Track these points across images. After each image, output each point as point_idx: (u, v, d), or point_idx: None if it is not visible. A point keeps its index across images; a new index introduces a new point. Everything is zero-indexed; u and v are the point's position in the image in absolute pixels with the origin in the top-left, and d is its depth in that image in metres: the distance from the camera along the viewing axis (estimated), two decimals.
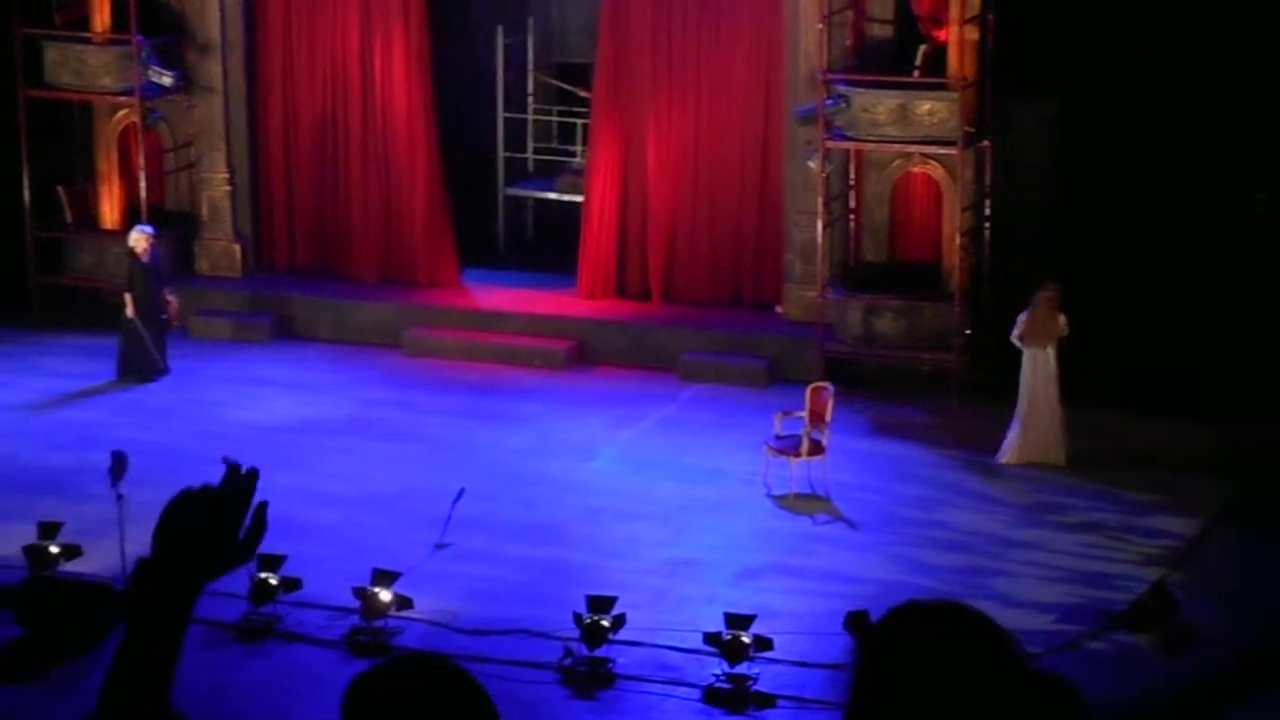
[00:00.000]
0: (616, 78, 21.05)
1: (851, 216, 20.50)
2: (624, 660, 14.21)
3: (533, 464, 17.92)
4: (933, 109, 19.37)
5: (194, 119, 22.09)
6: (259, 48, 22.08)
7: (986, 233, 19.93)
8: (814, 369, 19.46)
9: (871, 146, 19.87)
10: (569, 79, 23.46)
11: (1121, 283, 19.31)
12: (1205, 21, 21.11)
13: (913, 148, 19.76)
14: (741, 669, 13.91)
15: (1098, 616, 14.94)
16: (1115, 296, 19.53)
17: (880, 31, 20.15)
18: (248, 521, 3.93)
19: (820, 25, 19.72)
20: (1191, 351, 19.36)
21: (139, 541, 15.04)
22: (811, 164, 19.89)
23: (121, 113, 22.06)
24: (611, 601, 14.30)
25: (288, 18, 22.00)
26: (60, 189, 22.18)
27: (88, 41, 21.57)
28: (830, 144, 19.74)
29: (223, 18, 21.79)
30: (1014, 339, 17.82)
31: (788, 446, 17.30)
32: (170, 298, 20.13)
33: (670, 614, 14.82)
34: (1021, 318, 17.77)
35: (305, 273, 22.37)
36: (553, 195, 23.15)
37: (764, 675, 13.91)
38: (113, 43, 21.43)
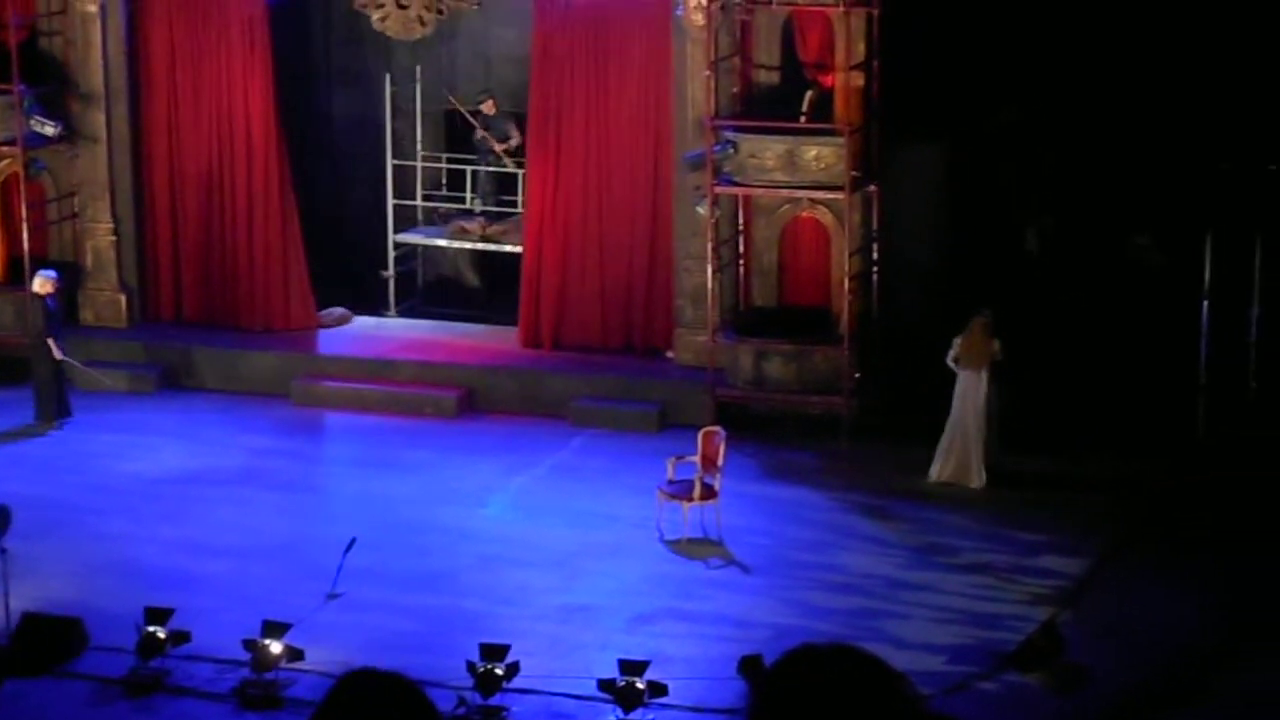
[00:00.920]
0: (544, 125, 21.06)
1: (741, 261, 20.60)
2: (518, 708, 14.14)
3: (424, 512, 17.83)
4: (820, 154, 19.52)
5: (78, 169, 21.88)
6: (143, 97, 21.92)
7: (875, 276, 20.08)
8: (705, 414, 19.51)
9: (760, 191, 20.00)
10: (457, 127, 23.44)
11: (1007, 325, 19.48)
12: (1090, 65, 21.45)
13: (801, 193, 19.91)
14: (636, 715, 13.88)
15: (988, 657, 15.04)
16: (1000, 338, 19.70)
17: (767, 78, 20.30)
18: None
19: (707, 72, 19.84)
20: (1076, 392, 19.60)
21: (23, 596, 14.89)
22: (700, 209, 19.98)
23: (3, 163, 21.83)
24: (505, 649, 14.24)
25: (171, 68, 21.85)
26: None
27: None
28: (719, 189, 19.84)
29: (106, 67, 21.62)
30: (949, 362, 18.35)
31: (680, 491, 17.32)
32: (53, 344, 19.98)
33: (564, 661, 14.77)
34: (956, 341, 18.33)
35: (192, 323, 22.17)
36: (442, 242, 23.11)
37: None
38: None
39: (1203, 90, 21.31)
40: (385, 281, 22.91)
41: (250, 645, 14.53)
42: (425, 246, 23.36)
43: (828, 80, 19.84)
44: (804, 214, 20.30)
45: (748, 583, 16.49)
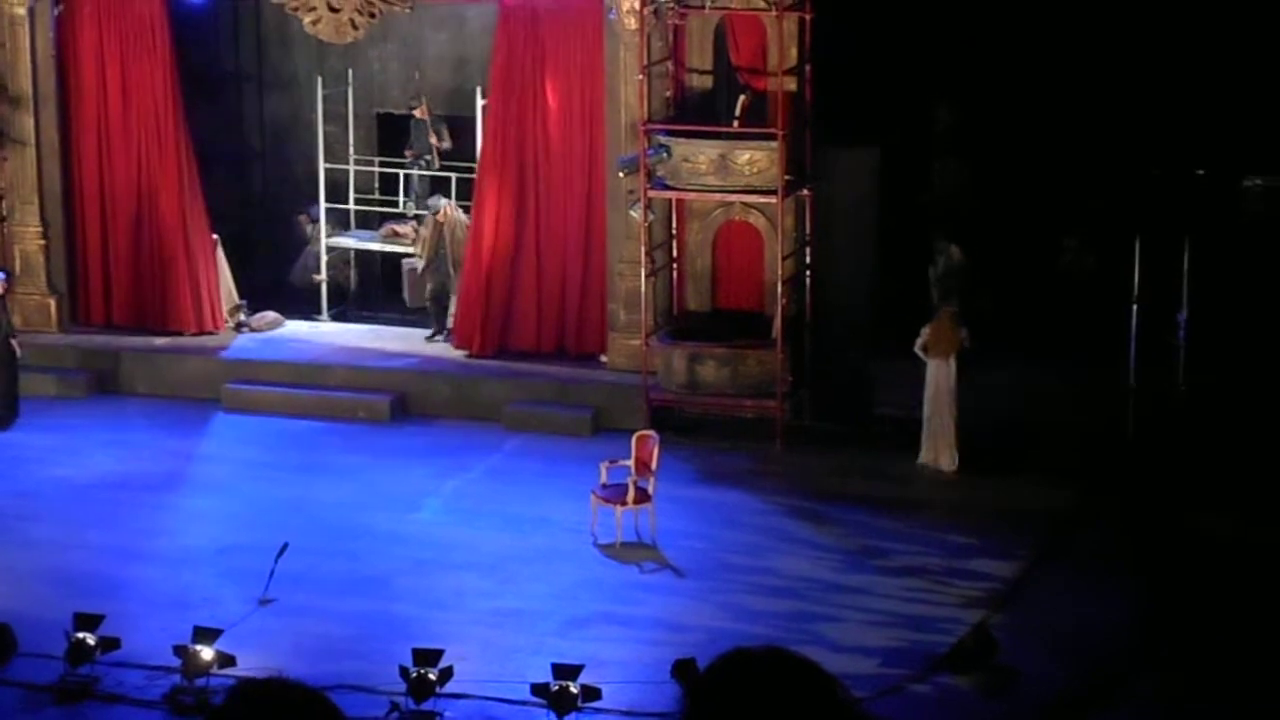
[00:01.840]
0: (500, 131, 20.94)
1: (674, 265, 20.62)
2: (451, 713, 14.11)
3: (357, 516, 17.75)
4: (753, 158, 19.56)
5: (6, 172, 21.70)
6: (71, 101, 21.75)
7: (808, 280, 20.13)
8: (639, 418, 19.51)
9: (693, 196, 20.02)
10: (389, 130, 23.38)
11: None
12: (1023, 69, 21.60)
13: (734, 197, 19.95)
14: None
15: (921, 660, 15.10)
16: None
17: (700, 82, 20.33)
18: None
19: (640, 76, 19.85)
20: (1009, 394, 19.72)
21: None
22: (634, 213, 19.98)
23: None
24: (439, 654, 14.20)
25: (101, 71, 21.69)
26: None
27: None
28: (652, 193, 19.85)
29: (35, 71, 21.44)
30: (917, 350, 18.82)
31: (614, 495, 17.31)
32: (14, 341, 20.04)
33: (498, 665, 14.74)
34: (924, 330, 18.76)
35: (122, 327, 22.01)
36: (375, 246, 23.03)
37: None
38: None
39: (1133, 96, 21.50)
40: (317, 286, 22.81)
41: (181, 651, 14.43)
42: (357, 250, 23.28)
43: (760, 84, 19.88)
44: (737, 218, 20.34)
45: (681, 586, 16.50)
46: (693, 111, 20.16)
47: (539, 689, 13.97)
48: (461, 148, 22.63)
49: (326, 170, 22.83)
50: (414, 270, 22.39)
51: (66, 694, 14.35)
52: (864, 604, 16.15)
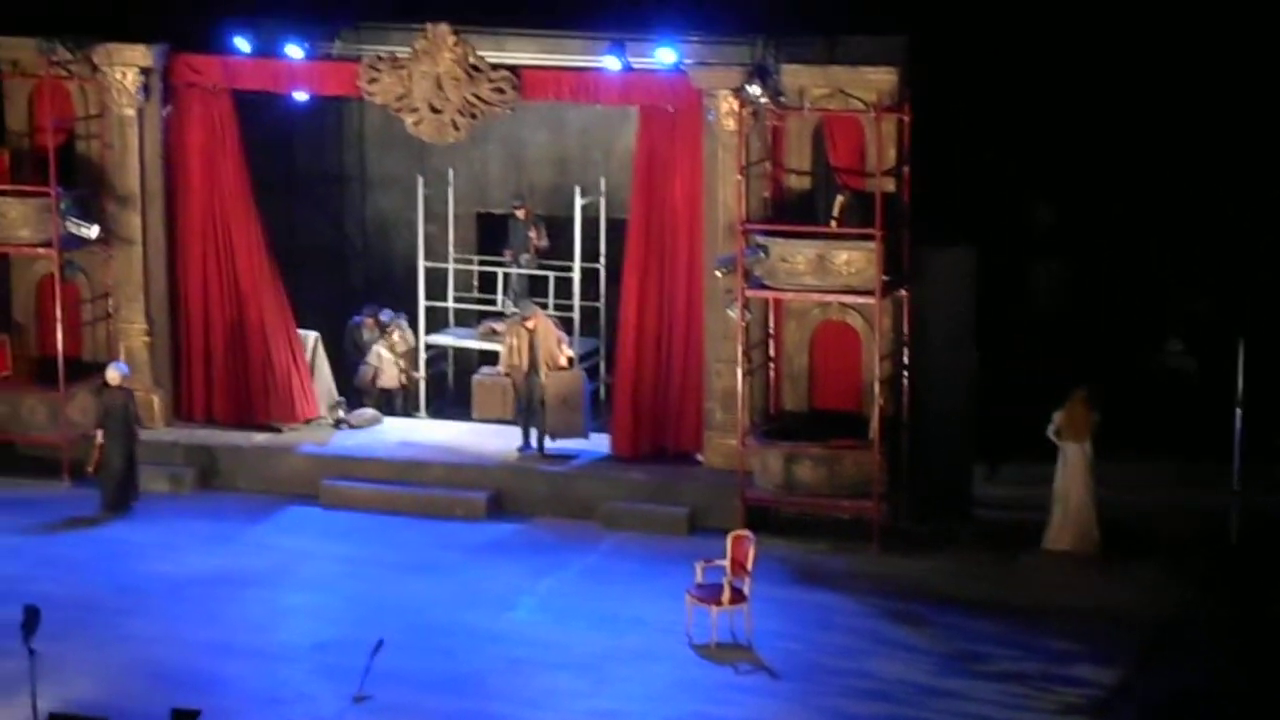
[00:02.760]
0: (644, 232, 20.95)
1: (771, 365, 20.61)
2: None
3: (452, 614, 17.77)
4: (851, 258, 19.56)
5: (112, 270, 22.04)
6: (178, 200, 22.08)
7: (905, 381, 20.06)
8: (735, 517, 19.45)
9: (791, 295, 20.03)
10: (488, 229, 23.58)
11: (1041, 432, 19.47)
12: (1123, 168, 21.54)
13: (831, 296, 19.94)
14: None
15: None
16: (1034, 447, 19.68)
17: (798, 182, 20.38)
18: None
19: (738, 176, 19.94)
20: (1107, 497, 19.53)
21: (51, 697, 14.85)
22: (731, 313, 20.02)
23: (40, 264, 22.03)
24: None
25: (207, 170, 22.02)
26: None
27: (5, 194, 21.53)
28: (750, 293, 19.88)
29: (142, 170, 21.81)
30: (1050, 435, 19.19)
31: (709, 595, 17.23)
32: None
33: None
34: (1056, 416, 19.13)
35: (223, 423, 22.24)
36: (473, 344, 23.17)
37: None
38: (31, 195, 21.40)
39: (1237, 198, 21.37)
40: (416, 383, 22.96)
41: None
42: (456, 348, 23.43)
43: (858, 184, 19.91)
44: (834, 318, 20.33)
45: (776, 688, 16.37)
46: (790, 211, 20.21)
47: None
48: (559, 247, 22.80)
49: (426, 268, 23.04)
50: (481, 383, 22.28)
51: None
52: (960, 709, 15.96)
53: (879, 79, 19.65)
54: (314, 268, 23.69)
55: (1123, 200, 21.83)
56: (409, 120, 21.16)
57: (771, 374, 20.61)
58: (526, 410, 21.41)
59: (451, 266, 23.35)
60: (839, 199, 19.94)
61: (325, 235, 23.99)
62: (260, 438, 21.90)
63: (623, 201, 22.65)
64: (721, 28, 20.48)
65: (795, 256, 19.66)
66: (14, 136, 22.16)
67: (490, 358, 22.65)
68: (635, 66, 20.43)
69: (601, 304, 22.72)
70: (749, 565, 17.33)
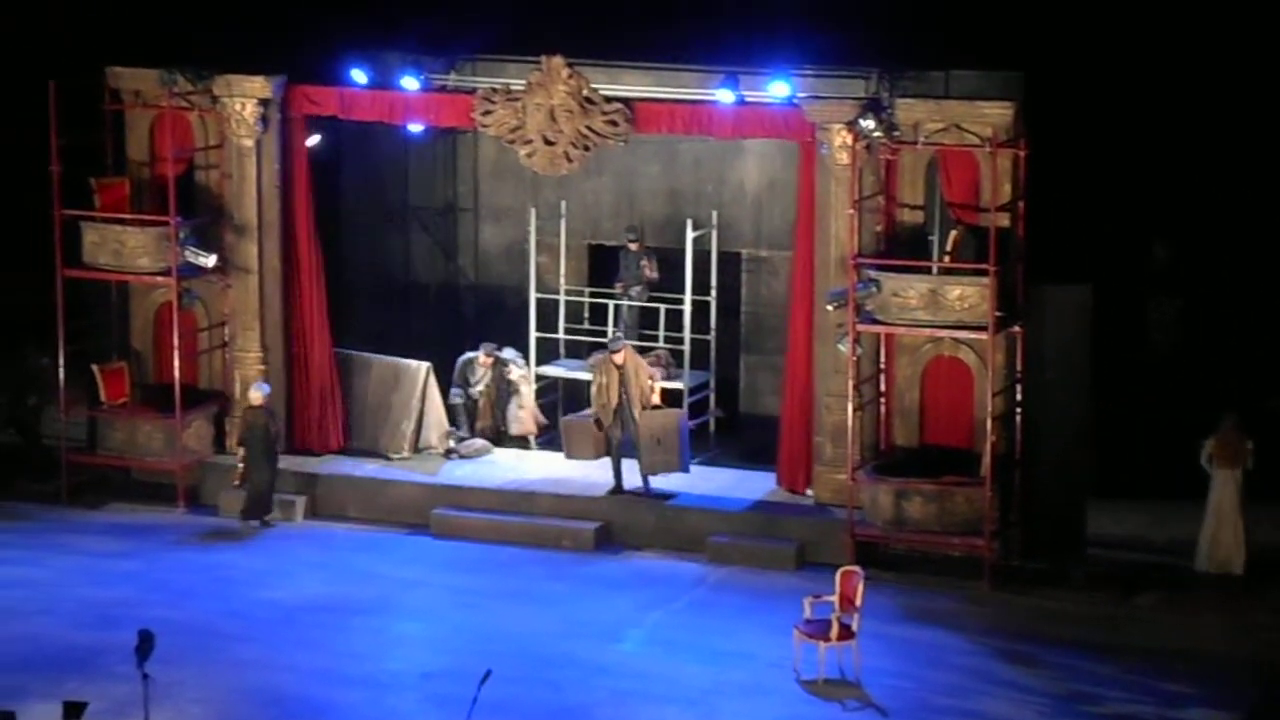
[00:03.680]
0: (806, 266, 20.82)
1: (882, 399, 20.50)
2: None
3: (560, 646, 17.78)
4: (964, 294, 19.44)
5: (229, 299, 22.29)
6: (295, 230, 22.30)
7: (1018, 418, 19.88)
8: (844, 553, 19.35)
9: (902, 330, 19.93)
10: (599, 260, 23.63)
11: (1156, 471, 19.30)
12: (1237, 207, 21.30)
13: (944, 332, 19.82)
14: None
15: None
16: (1148, 485, 19.49)
17: (911, 217, 20.29)
18: None
19: (851, 211, 19.88)
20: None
21: None
22: (842, 347, 19.94)
23: (158, 292, 22.33)
24: None
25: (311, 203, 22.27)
26: (95, 368, 22.34)
27: (125, 223, 21.85)
28: (861, 327, 19.80)
29: (260, 200, 22.06)
30: (1203, 463, 19.40)
31: (817, 631, 17.14)
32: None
33: None
34: (1208, 442, 19.34)
35: (335, 451, 22.41)
36: (583, 376, 23.20)
37: None
38: (150, 224, 21.71)
39: None
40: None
41: None
42: (566, 379, 23.48)
43: (972, 219, 19.79)
44: (947, 354, 20.21)
45: None
46: (903, 246, 20.11)
47: None
48: (670, 280, 22.80)
49: (537, 299, 23.13)
50: (571, 424, 21.91)
51: None
52: None
53: (995, 113, 19.54)
54: (426, 298, 23.84)
55: (1239, 237, 21.56)
56: (522, 152, 21.27)
57: (882, 409, 20.50)
58: (616, 452, 21.19)
59: (563, 298, 23.42)
60: (953, 234, 19.83)
61: (438, 266, 24.15)
62: (371, 466, 22.06)
63: (735, 235, 22.67)
64: (835, 61, 20.45)
65: (908, 291, 19.56)
66: (134, 166, 22.50)
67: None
68: (749, 100, 20.44)
69: (712, 337, 22.70)
70: (858, 601, 17.21)
